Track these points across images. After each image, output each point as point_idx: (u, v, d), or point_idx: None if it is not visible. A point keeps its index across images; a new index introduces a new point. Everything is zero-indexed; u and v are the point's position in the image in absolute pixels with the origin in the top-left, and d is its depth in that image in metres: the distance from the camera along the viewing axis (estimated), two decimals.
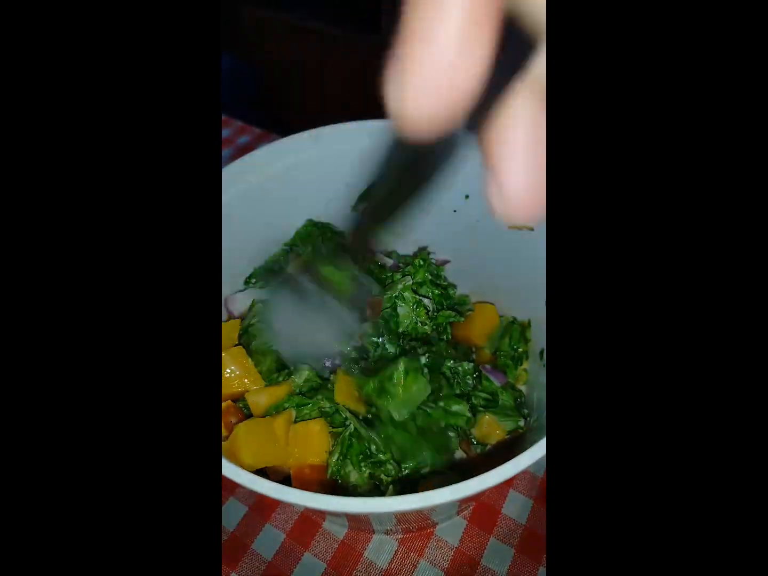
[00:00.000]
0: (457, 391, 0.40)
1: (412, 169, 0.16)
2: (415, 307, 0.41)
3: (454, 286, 0.47)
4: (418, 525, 0.41)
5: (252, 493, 0.45)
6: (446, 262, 0.48)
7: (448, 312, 0.43)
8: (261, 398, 0.38)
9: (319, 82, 1.17)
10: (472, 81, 0.11)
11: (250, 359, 0.39)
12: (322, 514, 0.42)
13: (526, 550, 0.41)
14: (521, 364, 0.44)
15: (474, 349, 0.47)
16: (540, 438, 0.25)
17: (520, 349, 0.44)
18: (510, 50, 0.12)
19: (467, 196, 0.43)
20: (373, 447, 0.36)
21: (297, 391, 0.39)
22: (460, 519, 0.43)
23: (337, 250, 0.27)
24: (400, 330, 0.41)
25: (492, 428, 0.40)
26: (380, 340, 0.40)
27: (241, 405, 0.39)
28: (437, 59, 0.10)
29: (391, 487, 0.36)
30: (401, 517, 0.37)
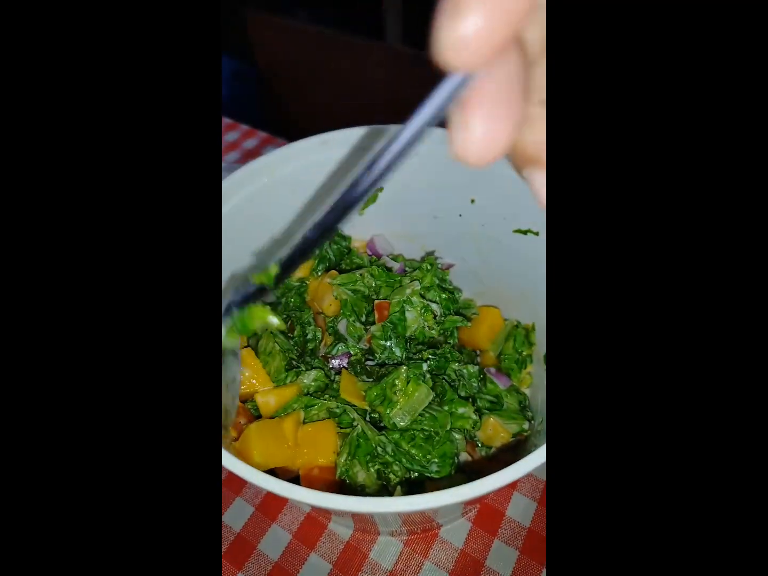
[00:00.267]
0: (462, 394, 0.40)
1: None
2: (422, 311, 0.41)
3: (460, 290, 0.47)
4: (422, 527, 0.41)
5: (258, 494, 0.45)
6: (451, 266, 0.49)
7: (456, 317, 0.43)
8: (270, 399, 0.38)
9: (324, 86, 1.18)
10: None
11: (258, 360, 0.40)
12: (327, 515, 0.43)
13: (531, 552, 0.41)
14: (525, 368, 0.44)
15: (478, 353, 0.47)
16: (544, 441, 0.25)
17: (525, 353, 0.44)
18: None
19: (473, 201, 0.43)
20: (380, 449, 0.36)
21: (305, 391, 0.39)
22: (464, 521, 0.43)
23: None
24: (408, 334, 0.41)
25: (496, 431, 0.40)
26: (388, 343, 0.40)
27: (249, 406, 0.40)
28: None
29: (398, 488, 0.36)
30: (406, 519, 0.37)
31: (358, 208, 0.19)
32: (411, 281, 0.43)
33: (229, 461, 0.26)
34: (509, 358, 0.44)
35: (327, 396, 0.38)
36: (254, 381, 0.39)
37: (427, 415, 0.37)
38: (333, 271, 0.45)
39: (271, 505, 0.45)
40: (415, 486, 0.37)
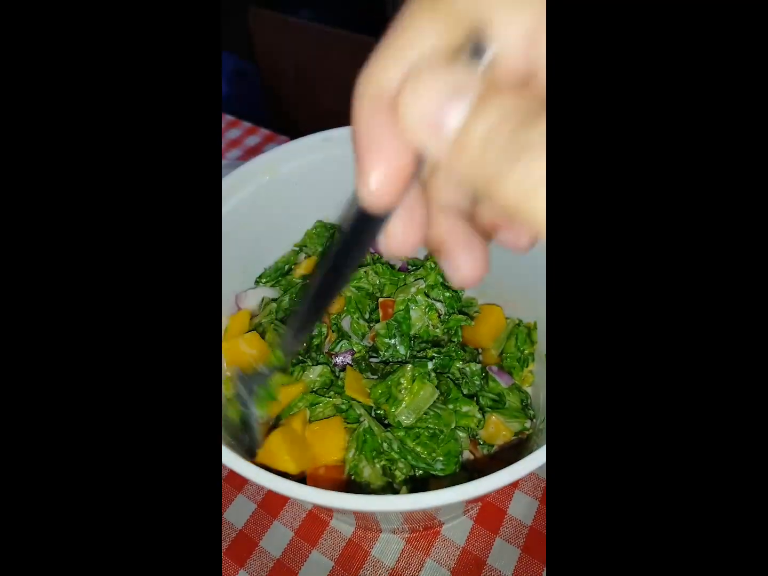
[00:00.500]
0: (465, 392, 0.40)
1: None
2: (427, 310, 0.41)
3: (462, 289, 0.47)
4: (424, 524, 0.41)
5: (260, 491, 0.45)
6: None
7: (460, 316, 0.43)
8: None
9: (326, 84, 1.18)
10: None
11: (264, 342, 0.40)
12: (329, 512, 0.43)
13: (532, 550, 0.42)
14: (527, 366, 0.44)
15: (480, 351, 0.47)
16: (545, 440, 0.25)
17: (526, 351, 0.44)
18: None
19: None
20: (385, 445, 0.36)
21: (310, 388, 0.39)
22: (466, 519, 0.44)
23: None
24: (412, 333, 0.41)
25: (498, 429, 0.40)
26: (392, 341, 0.40)
27: None
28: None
29: (404, 487, 0.36)
30: (408, 517, 0.37)
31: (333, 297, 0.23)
32: (415, 280, 0.43)
33: (230, 459, 0.27)
34: (511, 357, 0.44)
35: (332, 393, 0.38)
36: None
37: (431, 413, 0.37)
38: None
39: (273, 502, 0.45)
40: (419, 483, 0.37)
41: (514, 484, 0.45)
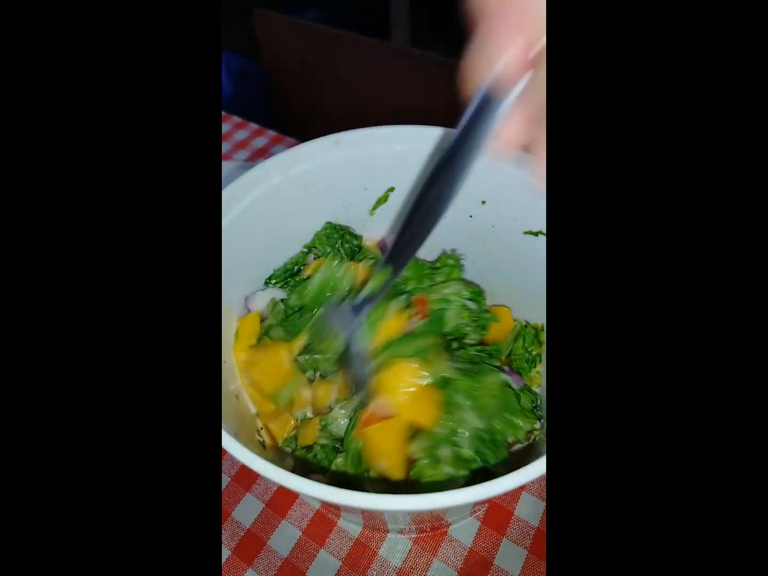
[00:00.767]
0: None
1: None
2: (460, 310, 0.43)
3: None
4: (431, 525, 0.42)
5: (268, 490, 0.46)
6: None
7: (489, 314, 0.45)
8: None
9: (331, 85, 1.18)
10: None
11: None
12: (337, 512, 0.43)
13: (539, 551, 0.42)
14: (535, 367, 0.45)
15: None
16: None
17: (534, 352, 0.45)
18: None
19: (484, 202, 0.43)
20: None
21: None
22: (473, 520, 0.44)
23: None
24: (446, 330, 0.42)
25: None
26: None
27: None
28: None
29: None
30: (416, 517, 0.37)
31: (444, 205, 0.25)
32: (449, 279, 0.44)
33: (241, 454, 0.27)
34: (519, 358, 0.44)
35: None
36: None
37: (488, 424, 0.38)
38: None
39: (281, 501, 0.45)
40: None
41: (521, 486, 0.45)
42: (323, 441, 0.40)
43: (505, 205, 0.42)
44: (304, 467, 0.40)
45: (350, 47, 1.06)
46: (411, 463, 0.38)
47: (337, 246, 0.46)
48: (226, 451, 0.27)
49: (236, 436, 0.27)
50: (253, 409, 0.43)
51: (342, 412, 0.40)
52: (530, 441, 0.40)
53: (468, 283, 0.45)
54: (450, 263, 0.46)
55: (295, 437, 0.42)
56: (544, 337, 0.44)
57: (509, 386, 0.40)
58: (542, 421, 0.42)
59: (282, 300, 0.45)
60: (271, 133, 0.84)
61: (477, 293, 0.45)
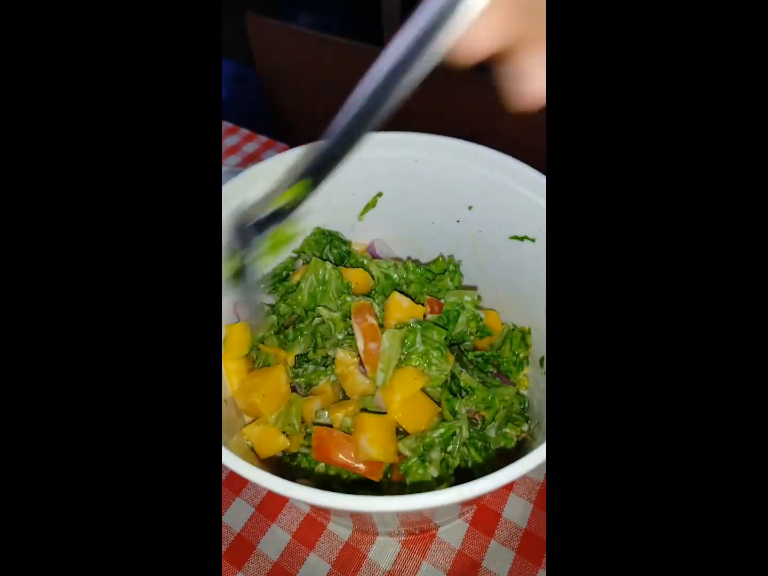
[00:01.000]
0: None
1: None
2: (471, 318, 0.44)
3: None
4: (420, 527, 0.42)
5: (258, 494, 0.46)
6: None
7: (488, 329, 0.47)
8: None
9: (324, 91, 1.18)
10: None
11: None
12: (327, 515, 0.43)
13: (527, 553, 0.42)
14: (522, 369, 0.45)
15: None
16: (540, 443, 0.26)
17: (521, 355, 0.45)
18: None
19: (470, 207, 0.44)
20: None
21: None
22: (461, 522, 0.44)
23: None
24: (453, 333, 0.44)
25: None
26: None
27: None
28: None
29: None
30: (404, 519, 0.37)
31: (379, 115, 0.22)
32: (460, 287, 0.46)
33: (230, 460, 0.27)
34: (507, 361, 0.45)
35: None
36: None
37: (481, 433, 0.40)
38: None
39: (271, 505, 0.45)
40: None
41: (509, 488, 0.46)
42: (305, 450, 0.41)
43: (491, 210, 0.43)
44: (288, 473, 0.40)
45: (343, 53, 1.07)
46: (400, 458, 0.39)
47: (325, 251, 0.46)
48: None
49: (225, 442, 0.27)
50: (245, 417, 0.44)
51: (328, 418, 0.41)
52: (517, 442, 0.41)
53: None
54: (451, 269, 0.47)
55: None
56: (530, 340, 0.45)
57: (518, 396, 0.42)
58: (529, 422, 0.42)
59: (272, 306, 0.46)
60: (263, 138, 0.84)
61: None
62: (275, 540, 0.44)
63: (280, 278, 0.46)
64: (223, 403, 0.42)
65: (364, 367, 0.41)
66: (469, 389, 0.41)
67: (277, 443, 0.41)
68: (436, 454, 0.38)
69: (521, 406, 0.44)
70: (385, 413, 0.39)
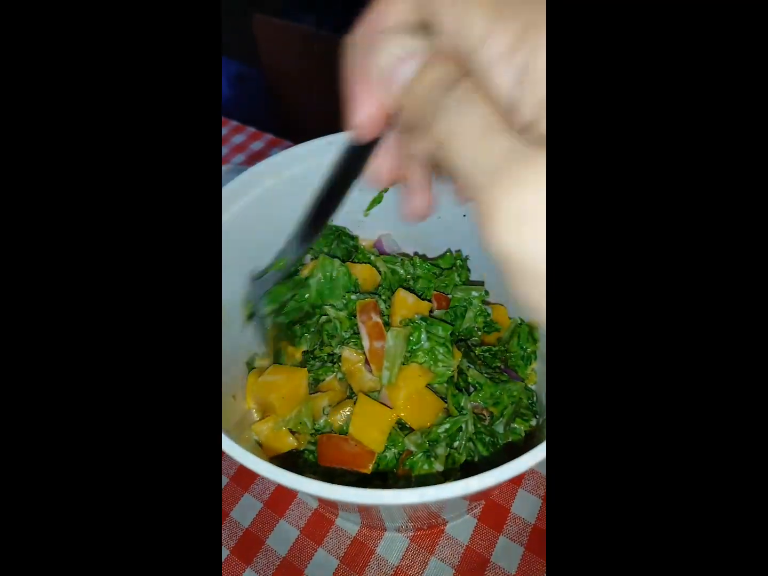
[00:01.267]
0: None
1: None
2: (478, 314, 0.45)
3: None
4: (428, 522, 0.42)
5: (266, 490, 0.46)
6: None
7: (496, 324, 0.47)
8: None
9: (329, 89, 1.19)
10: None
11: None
12: (335, 510, 0.43)
13: (536, 549, 0.42)
14: (530, 364, 0.45)
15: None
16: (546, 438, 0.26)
17: (529, 349, 0.45)
18: None
19: None
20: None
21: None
22: (470, 517, 0.44)
23: None
24: (460, 329, 0.44)
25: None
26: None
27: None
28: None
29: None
30: (412, 514, 0.37)
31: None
32: (469, 283, 0.46)
33: (240, 455, 0.27)
34: (515, 355, 0.44)
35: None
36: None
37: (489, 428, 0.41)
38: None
39: (279, 501, 0.45)
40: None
41: (517, 483, 0.45)
42: (311, 447, 0.41)
43: None
44: (295, 469, 0.40)
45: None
46: (405, 454, 0.38)
47: (333, 246, 0.46)
48: (224, 452, 0.27)
49: (234, 437, 0.27)
50: (253, 414, 0.44)
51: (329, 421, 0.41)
52: (526, 436, 0.41)
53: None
54: (458, 264, 0.47)
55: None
56: (538, 334, 0.45)
57: (527, 390, 0.42)
58: (538, 417, 0.42)
59: (281, 306, 0.46)
60: (268, 136, 0.84)
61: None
62: (283, 535, 0.44)
63: (289, 273, 0.46)
64: (232, 399, 0.42)
65: (369, 365, 0.41)
66: (477, 385, 0.40)
67: (285, 443, 0.41)
68: (441, 450, 0.38)
69: (529, 401, 0.43)
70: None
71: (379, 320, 0.41)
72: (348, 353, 0.42)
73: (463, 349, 0.42)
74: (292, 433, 0.41)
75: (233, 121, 0.87)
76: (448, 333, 0.40)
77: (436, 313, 0.44)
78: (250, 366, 0.46)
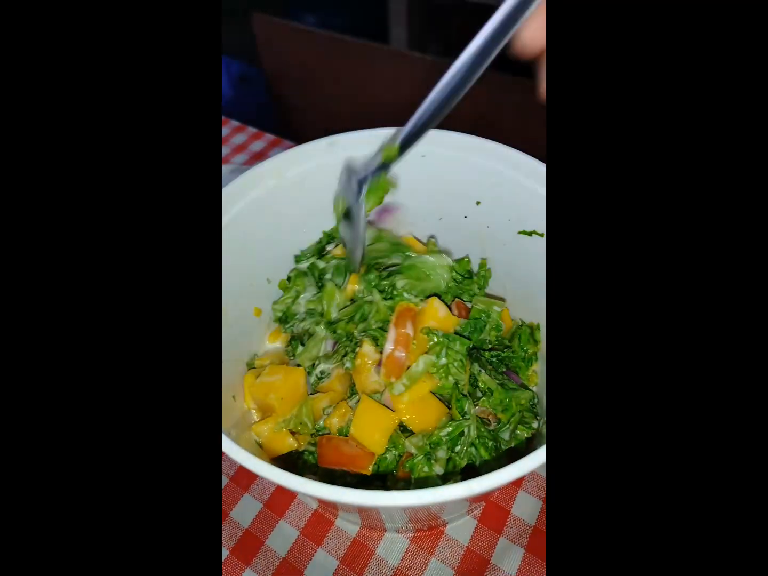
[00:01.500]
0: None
1: None
2: (493, 327, 0.44)
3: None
4: (428, 524, 0.42)
5: (266, 491, 0.46)
6: None
7: (505, 339, 0.47)
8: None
9: (330, 89, 1.19)
10: None
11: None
12: (334, 511, 0.43)
13: (536, 550, 0.42)
14: (531, 365, 0.45)
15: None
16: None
17: (530, 351, 0.45)
18: None
19: (478, 203, 0.44)
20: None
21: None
22: (470, 519, 0.44)
23: None
24: (481, 336, 0.44)
25: None
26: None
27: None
28: None
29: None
30: (412, 515, 0.37)
31: (472, 81, 0.27)
32: (489, 296, 0.46)
33: (240, 456, 0.27)
34: (516, 357, 0.44)
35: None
36: None
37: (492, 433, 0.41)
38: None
39: (279, 501, 0.45)
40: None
41: (518, 484, 0.45)
42: (311, 448, 0.41)
43: (499, 205, 0.42)
44: (295, 469, 0.40)
45: (349, 51, 1.07)
46: (406, 456, 0.38)
47: None
48: (224, 453, 0.27)
49: (234, 438, 0.27)
50: (253, 414, 0.44)
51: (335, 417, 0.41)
52: (528, 438, 0.41)
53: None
54: (481, 274, 0.47)
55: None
56: (539, 336, 0.45)
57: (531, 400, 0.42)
58: (539, 419, 0.42)
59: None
60: (269, 136, 0.84)
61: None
62: (283, 536, 0.44)
63: (319, 252, 0.48)
64: (232, 399, 0.42)
65: (380, 366, 0.40)
66: (487, 390, 0.40)
67: (285, 444, 0.41)
68: (442, 453, 0.38)
69: (530, 403, 0.43)
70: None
71: (411, 333, 0.41)
72: (367, 348, 0.41)
73: (474, 354, 0.42)
74: (293, 434, 0.41)
75: (234, 121, 0.87)
76: (465, 348, 0.40)
77: (462, 323, 0.44)
78: (250, 366, 0.46)
